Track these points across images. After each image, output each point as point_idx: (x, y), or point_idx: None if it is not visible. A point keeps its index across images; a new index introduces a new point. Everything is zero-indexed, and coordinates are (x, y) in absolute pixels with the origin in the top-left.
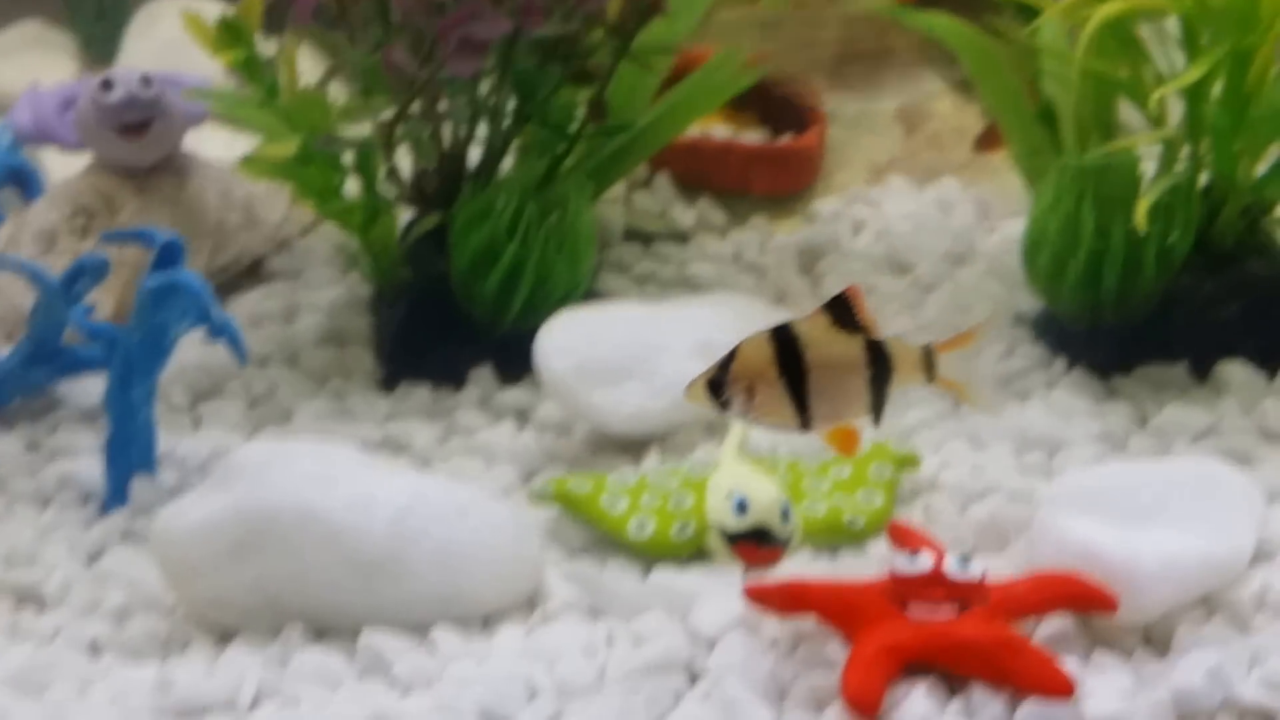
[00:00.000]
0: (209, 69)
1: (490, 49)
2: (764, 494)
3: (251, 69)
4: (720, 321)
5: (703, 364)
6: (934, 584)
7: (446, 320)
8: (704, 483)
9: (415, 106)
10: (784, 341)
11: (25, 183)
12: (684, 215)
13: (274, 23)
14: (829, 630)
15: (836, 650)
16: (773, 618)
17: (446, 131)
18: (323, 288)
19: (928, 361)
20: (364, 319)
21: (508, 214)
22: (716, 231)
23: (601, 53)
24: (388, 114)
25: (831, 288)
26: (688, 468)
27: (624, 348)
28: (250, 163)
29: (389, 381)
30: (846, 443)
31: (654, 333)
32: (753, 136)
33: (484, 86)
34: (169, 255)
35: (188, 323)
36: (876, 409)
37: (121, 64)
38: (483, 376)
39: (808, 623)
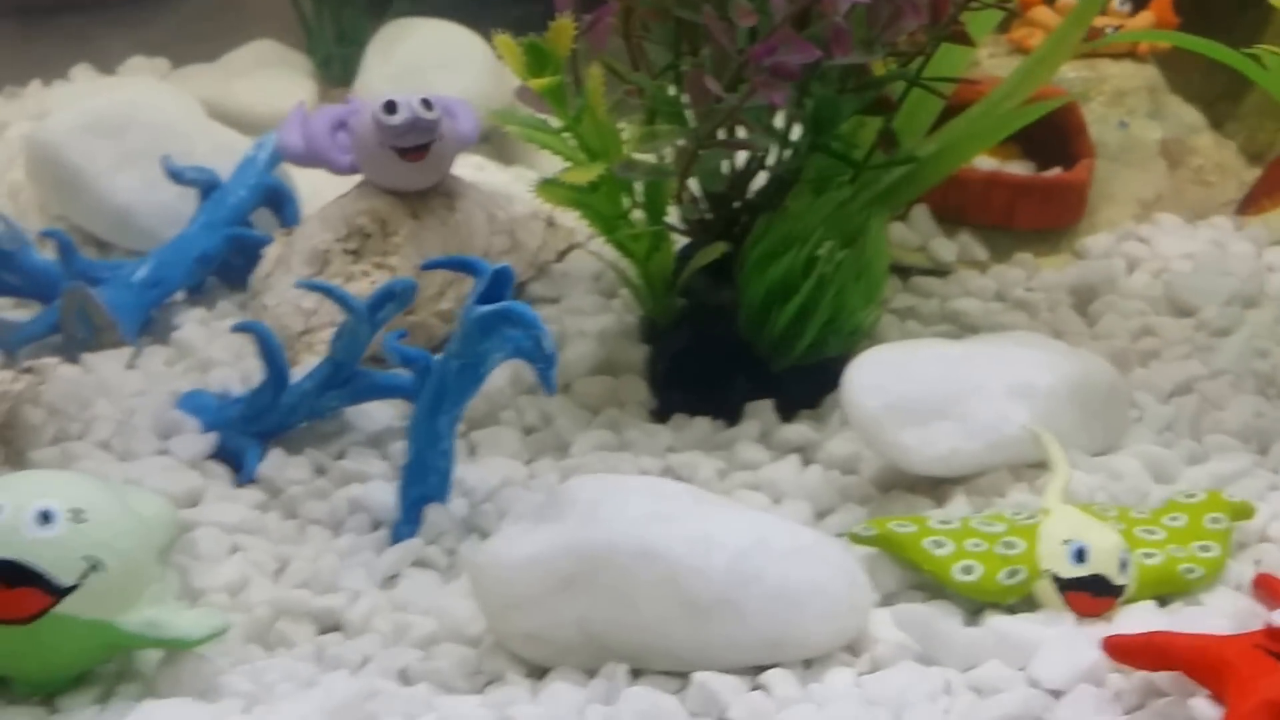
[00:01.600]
0: (449, 93)
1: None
2: (1104, 542)
3: (557, 95)
4: (1037, 361)
5: (1020, 406)
6: None
7: (724, 353)
8: (1034, 528)
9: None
10: None
11: (280, 203)
12: (944, 249)
13: None
14: (1188, 685)
15: (1197, 706)
16: (1131, 670)
17: (738, 160)
18: (589, 315)
19: None
20: (635, 348)
21: (807, 248)
22: (978, 267)
23: (890, 81)
24: (681, 141)
25: (1109, 327)
26: (1011, 512)
27: (937, 386)
28: (548, 187)
29: (662, 413)
30: None
31: (968, 372)
32: (1017, 168)
33: (780, 115)
34: (498, 284)
35: (506, 352)
36: None
37: (360, 86)
38: (761, 410)
39: (1156, 677)
